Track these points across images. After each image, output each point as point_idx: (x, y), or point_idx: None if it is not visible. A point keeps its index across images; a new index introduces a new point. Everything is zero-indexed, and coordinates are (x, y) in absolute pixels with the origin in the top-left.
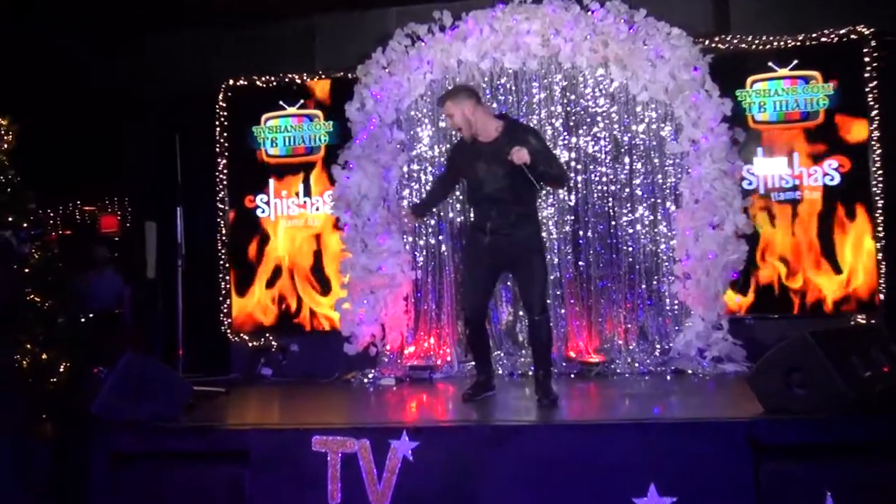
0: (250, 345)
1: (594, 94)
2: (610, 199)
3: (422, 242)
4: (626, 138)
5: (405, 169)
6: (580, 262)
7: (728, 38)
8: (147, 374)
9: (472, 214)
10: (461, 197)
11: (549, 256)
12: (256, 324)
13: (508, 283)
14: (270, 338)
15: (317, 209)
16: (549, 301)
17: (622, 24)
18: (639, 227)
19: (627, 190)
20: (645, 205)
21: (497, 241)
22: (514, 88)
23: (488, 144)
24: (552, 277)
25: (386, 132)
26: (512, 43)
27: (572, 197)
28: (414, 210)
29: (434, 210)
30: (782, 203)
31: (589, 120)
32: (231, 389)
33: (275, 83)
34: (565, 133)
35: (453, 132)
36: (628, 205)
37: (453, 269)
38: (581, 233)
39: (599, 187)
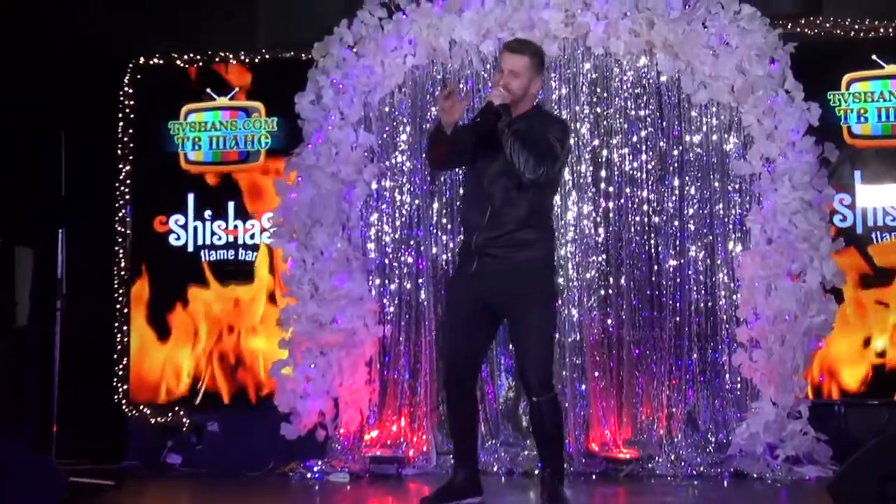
0: (153, 421)
1: (634, 92)
2: (652, 236)
3: (393, 287)
4: (675, 152)
5: (374, 186)
6: (609, 321)
7: (818, 22)
8: (4, 461)
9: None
10: (448, 226)
11: (565, 310)
12: (163, 392)
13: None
14: (181, 412)
15: (251, 237)
16: (565, 373)
17: None
18: (690, 273)
19: (676, 223)
20: (699, 244)
21: (485, 268)
22: None
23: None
24: (570, 340)
25: (349, 135)
26: (524, 19)
27: (600, 231)
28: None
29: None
30: (887, 246)
31: (626, 126)
32: (123, 482)
33: (202, 64)
34: (594, 142)
35: None
36: (676, 243)
37: (435, 325)
38: (611, 280)
39: (638, 218)
